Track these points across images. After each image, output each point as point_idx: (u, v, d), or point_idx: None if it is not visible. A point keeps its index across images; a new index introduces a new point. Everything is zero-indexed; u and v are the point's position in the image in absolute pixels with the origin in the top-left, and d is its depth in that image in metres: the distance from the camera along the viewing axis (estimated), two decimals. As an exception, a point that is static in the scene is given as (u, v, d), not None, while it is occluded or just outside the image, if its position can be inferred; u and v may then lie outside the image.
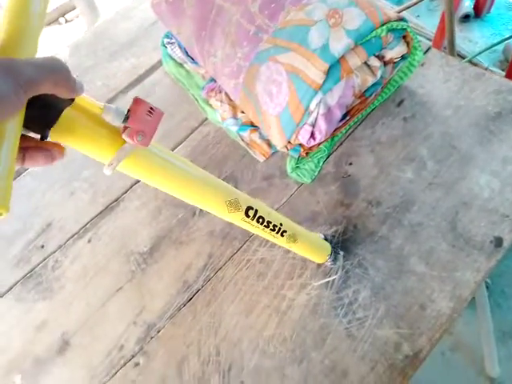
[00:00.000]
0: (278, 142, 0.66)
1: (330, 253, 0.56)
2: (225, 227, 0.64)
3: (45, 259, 0.67)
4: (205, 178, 0.39)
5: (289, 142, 0.67)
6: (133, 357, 0.57)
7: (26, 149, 0.27)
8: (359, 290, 0.56)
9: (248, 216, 0.42)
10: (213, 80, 0.78)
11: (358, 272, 0.57)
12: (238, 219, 0.42)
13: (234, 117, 0.73)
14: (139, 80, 0.84)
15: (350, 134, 0.69)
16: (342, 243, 0.59)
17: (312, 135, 0.65)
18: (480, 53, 1.38)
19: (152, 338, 0.58)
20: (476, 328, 0.96)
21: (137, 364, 0.56)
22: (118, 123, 0.29)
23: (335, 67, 0.60)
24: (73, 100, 0.27)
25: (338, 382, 0.50)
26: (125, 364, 0.56)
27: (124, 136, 0.29)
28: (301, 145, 0.67)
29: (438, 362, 1.02)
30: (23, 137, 0.26)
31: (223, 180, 0.68)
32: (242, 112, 0.73)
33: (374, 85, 0.68)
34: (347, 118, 0.69)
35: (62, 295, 0.63)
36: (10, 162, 0.24)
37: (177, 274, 0.62)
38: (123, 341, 0.58)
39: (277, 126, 0.65)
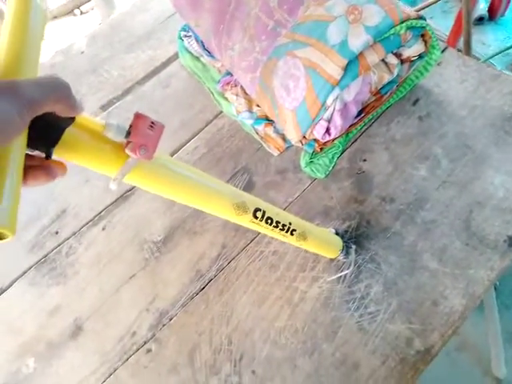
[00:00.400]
0: (293, 137, 0.66)
1: (341, 248, 0.56)
2: (238, 219, 0.65)
3: (59, 245, 0.68)
4: (210, 184, 0.40)
5: (304, 137, 0.67)
6: (145, 343, 0.57)
7: (28, 168, 0.27)
8: (371, 284, 0.56)
9: (256, 217, 0.42)
10: (229, 74, 0.79)
11: (371, 267, 0.57)
12: (246, 221, 0.42)
13: (249, 110, 0.74)
14: (155, 72, 0.85)
15: (364, 131, 0.69)
16: (355, 238, 0.60)
17: (327, 130, 0.65)
18: (493, 56, 1.38)
19: (164, 325, 0.58)
20: (483, 329, 0.96)
21: (149, 350, 0.57)
22: (120, 139, 0.30)
23: (353, 63, 0.60)
24: (74, 119, 0.28)
25: (348, 375, 0.51)
26: (137, 350, 0.57)
27: (127, 151, 0.30)
28: (315, 140, 0.67)
29: (444, 361, 1.02)
30: (26, 156, 0.26)
31: (237, 172, 0.69)
32: (258, 106, 0.74)
33: (390, 83, 0.69)
34: (362, 114, 0.70)
35: (75, 281, 0.64)
36: (16, 183, 0.24)
37: (190, 264, 0.62)
38: (136, 327, 0.59)
39: (292, 121, 0.65)
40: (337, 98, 0.63)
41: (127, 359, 0.57)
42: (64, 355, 0.58)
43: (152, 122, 0.31)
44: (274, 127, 0.72)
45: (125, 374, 0.56)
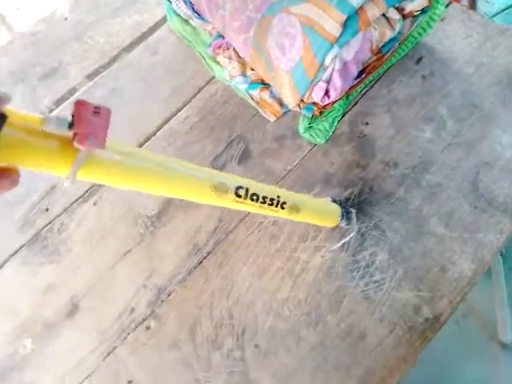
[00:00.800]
0: (291, 100, 0.63)
1: (340, 214, 0.54)
2: (235, 189, 0.62)
3: (50, 222, 0.65)
4: (179, 169, 0.36)
5: (302, 101, 0.63)
6: (144, 320, 0.56)
7: None
8: (376, 252, 0.54)
9: (239, 196, 0.39)
10: (220, 36, 0.74)
11: (375, 234, 0.55)
12: (229, 202, 0.40)
13: (243, 74, 0.70)
14: (143, 38, 0.80)
15: (365, 93, 0.66)
16: (358, 205, 0.57)
17: (326, 93, 0.62)
18: (496, 14, 1.32)
19: (163, 301, 0.56)
20: (489, 294, 0.96)
21: (148, 327, 0.55)
22: (62, 131, 0.26)
23: (353, 19, 0.56)
24: (4, 117, 0.24)
25: (355, 345, 0.49)
26: (136, 327, 0.55)
27: (75, 143, 0.27)
28: (314, 103, 0.64)
29: (450, 328, 1.02)
30: None
31: (233, 140, 0.66)
32: (252, 69, 0.70)
33: (391, 41, 0.64)
34: (363, 75, 0.66)
35: (68, 258, 0.62)
36: None
37: (186, 237, 0.60)
38: (134, 304, 0.57)
39: (289, 83, 0.62)
40: (336, 56, 0.59)
41: (126, 337, 0.55)
42: (61, 334, 0.57)
43: (96, 107, 0.28)
44: (270, 91, 0.68)
45: (124, 352, 0.54)
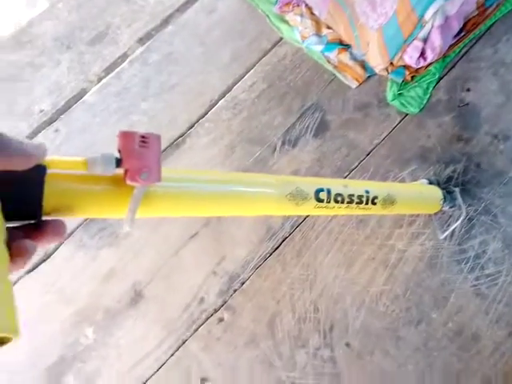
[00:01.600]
0: (378, 62, 0.54)
1: (442, 197, 0.46)
2: (312, 166, 0.55)
3: (106, 202, 0.59)
4: (246, 185, 0.31)
5: (391, 63, 0.55)
6: (216, 311, 0.50)
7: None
8: (487, 240, 0.46)
9: (321, 201, 0.34)
10: (288, -9, 0.65)
11: (485, 220, 0.47)
12: (311, 209, 0.34)
13: (318, 34, 0.61)
14: (197, -4, 0.72)
15: (464, 54, 0.56)
16: (463, 186, 0.49)
17: (422, 54, 0.53)
18: None
19: (236, 290, 0.50)
20: None
21: (221, 319, 0.50)
22: (111, 170, 0.23)
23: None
24: (44, 168, 0.21)
25: (467, 348, 0.42)
26: (207, 319, 0.50)
27: (128, 181, 0.23)
28: (405, 66, 0.55)
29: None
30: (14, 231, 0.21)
31: (306, 110, 0.58)
32: (328, 28, 0.61)
33: (495, -9, 0.55)
34: (462, 33, 0.56)
35: (128, 242, 0.56)
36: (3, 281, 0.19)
37: (258, 219, 0.53)
38: (203, 293, 0.51)
39: (378, 42, 0.53)
40: (438, 10, 0.50)
41: (197, 329, 0.50)
42: (124, 325, 0.52)
43: (143, 136, 0.24)
44: (351, 53, 0.59)
45: (195, 347, 0.49)
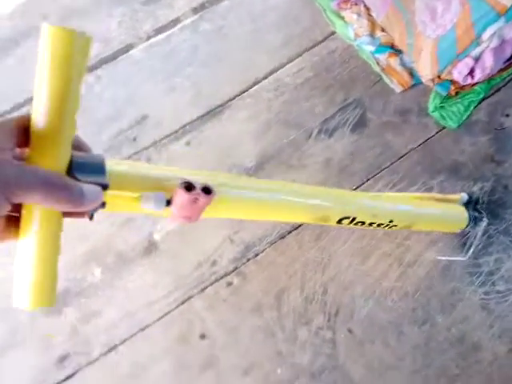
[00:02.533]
0: (427, 72, 0.56)
1: (467, 222, 0.47)
2: (344, 158, 0.56)
3: (136, 153, 0.60)
4: (285, 198, 0.35)
5: (438, 76, 0.56)
6: (226, 275, 0.51)
7: None
8: (502, 259, 0.47)
9: (342, 223, 0.38)
10: (350, -10, 0.67)
11: (504, 240, 0.48)
12: (333, 224, 0.38)
13: (371, 35, 0.63)
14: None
15: (510, 81, 0.58)
16: (487, 204, 0.50)
17: (471, 72, 0.54)
18: None
19: (249, 259, 0.51)
20: None
21: (230, 283, 0.50)
22: (160, 209, 0.27)
23: (531, -10, 0.48)
24: (103, 204, 0.26)
25: (466, 355, 0.44)
26: (216, 281, 0.51)
27: (170, 220, 0.29)
28: (452, 81, 0.56)
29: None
30: None
31: (348, 105, 0.60)
32: (383, 31, 0.62)
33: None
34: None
35: (152, 194, 0.57)
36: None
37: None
38: (216, 256, 0.52)
39: (431, 52, 0.55)
40: (495, 32, 0.51)
41: (204, 288, 0.50)
42: (134, 270, 0.53)
43: (195, 197, 0.27)
44: (401, 59, 0.61)
45: (200, 304, 0.50)
